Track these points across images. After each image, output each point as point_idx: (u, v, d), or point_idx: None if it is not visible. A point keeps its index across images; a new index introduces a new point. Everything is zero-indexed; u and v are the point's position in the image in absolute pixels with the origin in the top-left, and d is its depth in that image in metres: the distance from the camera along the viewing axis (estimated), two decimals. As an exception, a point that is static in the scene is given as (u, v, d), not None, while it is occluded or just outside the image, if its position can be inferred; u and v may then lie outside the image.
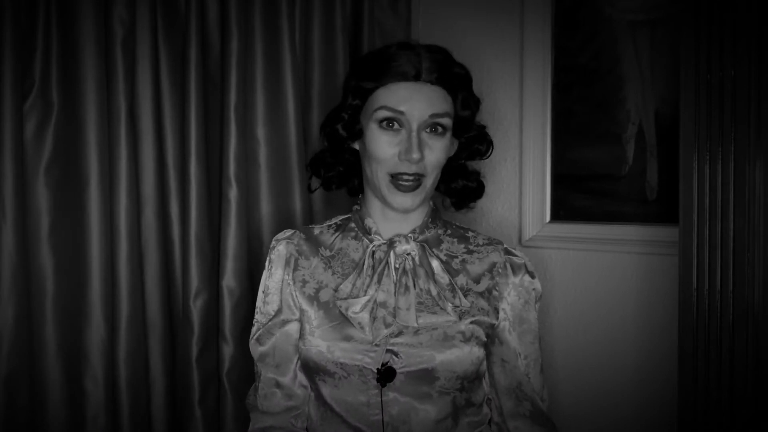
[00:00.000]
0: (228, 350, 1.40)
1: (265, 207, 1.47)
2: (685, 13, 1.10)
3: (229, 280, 1.40)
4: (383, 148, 1.10)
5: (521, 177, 1.48)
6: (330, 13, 1.53)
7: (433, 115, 1.09)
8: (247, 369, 1.39)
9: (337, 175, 1.23)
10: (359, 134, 1.16)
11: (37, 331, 1.25)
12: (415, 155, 1.07)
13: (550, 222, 1.45)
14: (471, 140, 1.19)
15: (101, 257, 1.27)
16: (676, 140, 1.16)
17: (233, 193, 1.40)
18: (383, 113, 1.10)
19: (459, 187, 1.23)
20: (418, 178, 1.10)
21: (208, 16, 1.42)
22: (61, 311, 1.27)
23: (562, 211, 1.44)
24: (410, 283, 1.11)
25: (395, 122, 1.10)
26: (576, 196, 1.42)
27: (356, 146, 1.18)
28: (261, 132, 1.46)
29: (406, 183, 1.09)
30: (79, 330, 1.28)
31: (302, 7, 1.52)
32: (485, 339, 1.14)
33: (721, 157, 1.07)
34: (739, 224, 1.05)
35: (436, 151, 1.10)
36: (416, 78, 1.10)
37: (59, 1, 1.25)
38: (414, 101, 1.09)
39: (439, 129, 1.11)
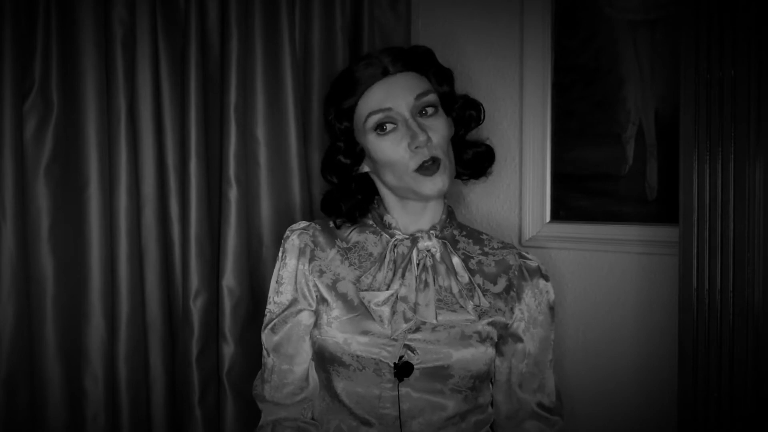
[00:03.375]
0: (228, 350, 1.40)
1: (265, 207, 1.47)
2: (684, 12, 1.10)
3: (229, 280, 1.40)
4: (390, 151, 1.11)
5: (521, 177, 1.48)
6: (330, 13, 1.53)
7: (418, 96, 1.11)
8: (247, 369, 1.39)
9: (358, 203, 1.22)
10: (361, 155, 1.16)
11: (37, 331, 1.25)
12: (422, 137, 1.08)
13: (550, 222, 1.45)
14: (461, 110, 1.20)
15: (101, 257, 1.27)
16: (676, 140, 1.16)
17: (233, 193, 1.40)
18: (374, 118, 1.11)
19: (470, 156, 1.23)
20: (437, 161, 1.10)
21: (208, 16, 1.42)
22: (61, 311, 1.27)
23: (562, 211, 1.44)
24: (430, 280, 1.12)
25: (388, 122, 1.11)
26: (576, 196, 1.42)
27: (364, 169, 1.19)
28: (261, 132, 1.46)
29: (429, 167, 1.10)
30: (79, 330, 1.28)
31: (302, 7, 1.52)
32: (497, 339, 1.15)
33: (721, 157, 1.07)
34: (739, 224, 1.05)
35: (438, 130, 1.11)
36: (385, 74, 1.12)
37: (59, 1, 1.25)
38: (394, 93, 1.11)
39: (430, 109, 1.12)
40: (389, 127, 1.11)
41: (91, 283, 1.27)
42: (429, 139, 1.08)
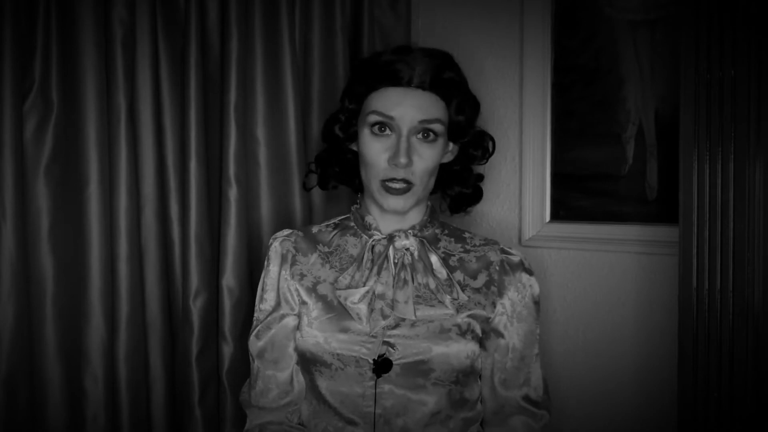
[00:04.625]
0: (227, 350, 1.40)
1: (265, 207, 1.47)
2: (684, 12, 1.10)
3: (228, 279, 1.40)
4: (374, 154, 1.12)
5: (521, 177, 1.48)
6: (330, 13, 1.53)
7: (423, 121, 1.10)
8: (247, 368, 1.39)
9: (333, 175, 1.25)
10: (355, 136, 1.17)
11: (37, 331, 1.25)
12: (402, 159, 1.08)
13: (550, 222, 1.45)
14: (466, 145, 1.20)
15: (101, 257, 1.27)
16: (676, 140, 1.16)
17: (233, 193, 1.40)
18: (374, 117, 1.11)
19: (454, 193, 1.25)
20: (408, 184, 1.11)
21: (208, 16, 1.42)
22: (61, 311, 1.27)
23: (562, 211, 1.44)
24: (408, 277, 1.13)
25: (386, 127, 1.11)
26: (576, 196, 1.42)
27: (355, 148, 1.20)
28: (261, 132, 1.46)
29: (396, 186, 1.11)
30: (79, 330, 1.28)
31: (302, 7, 1.52)
32: (481, 334, 1.15)
33: (721, 157, 1.07)
34: (739, 224, 1.05)
35: (426, 159, 1.11)
36: (408, 83, 1.11)
37: (59, 1, 1.25)
38: (404, 106, 1.10)
39: (431, 135, 1.12)
40: (384, 131, 1.11)
41: (91, 283, 1.27)
42: (410, 163, 1.09)
